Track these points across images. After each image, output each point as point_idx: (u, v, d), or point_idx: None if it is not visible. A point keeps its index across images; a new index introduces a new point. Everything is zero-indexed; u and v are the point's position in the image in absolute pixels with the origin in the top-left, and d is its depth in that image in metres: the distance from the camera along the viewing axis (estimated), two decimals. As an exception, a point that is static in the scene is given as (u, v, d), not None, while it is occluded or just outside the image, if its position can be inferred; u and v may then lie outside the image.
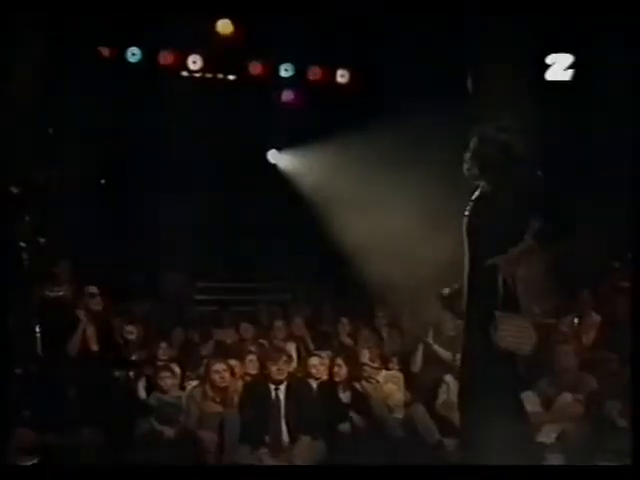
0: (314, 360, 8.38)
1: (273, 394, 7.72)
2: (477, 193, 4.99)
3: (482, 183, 4.99)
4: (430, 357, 8.58)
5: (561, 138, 9.63)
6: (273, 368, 7.79)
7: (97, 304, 7.93)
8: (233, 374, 8.06)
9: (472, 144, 5.04)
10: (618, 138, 7.83)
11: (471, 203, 5.00)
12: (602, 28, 8.69)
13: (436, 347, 8.56)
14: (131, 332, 8.56)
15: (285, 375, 7.84)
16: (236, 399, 7.83)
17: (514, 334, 4.65)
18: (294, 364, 8.61)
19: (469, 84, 9.96)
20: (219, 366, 7.88)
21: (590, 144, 9.72)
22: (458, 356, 6.96)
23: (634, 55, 6.06)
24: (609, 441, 6.35)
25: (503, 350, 4.63)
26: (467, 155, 5.03)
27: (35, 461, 6.63)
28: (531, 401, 6.87)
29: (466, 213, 5.01)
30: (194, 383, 8.23)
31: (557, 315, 8.61)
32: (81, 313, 7.76)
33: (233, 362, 8.15)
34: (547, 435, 6.95)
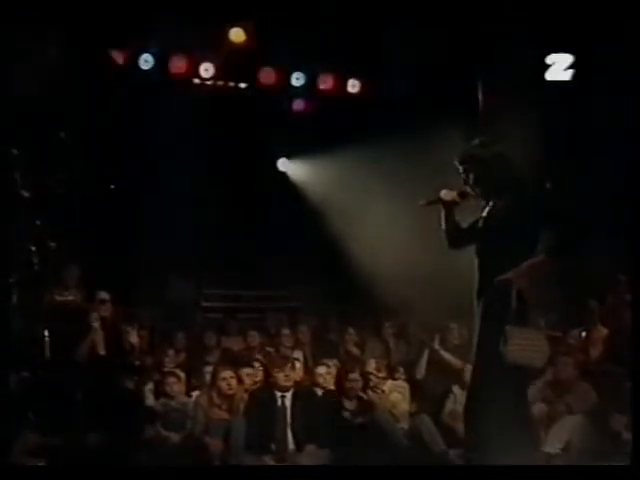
0: (321, 369, 8.39)
1: (279, 402, 7.73)
2: (485, 211, 5.01)
3: (488, 200, 5.03)
4: (437, 364, 8.57)
5: (561, 138, 9.64)
6: (280, 375, 7.80)
7: (107, 310, 7.95)
8: (240, 381, 8.07)
9: (461, 168, 5.08)
10: (618, 138, 7.84)
11: (480, 220, 5.02)
12: (602, 28, 8.70)
13: (443, 352, 8.56)
14: (138, 338, 8.59)
15: (292, 382, 7.85)
16: (242, 406, 7.84)
17: (525, 348, 4.64)
18: (301, 372, 8.61)
19: (477, 94, 10.03)
20: (226, 373, 7.91)
21: (590, 144, 9.71)
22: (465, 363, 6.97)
23: (634, 55, 6.07)
24: (614, 453, 6.34)
25: (512, 364, 4.63)
26: (463, 178, 5.08)
27: (40, 464, 6.64)
28: (537, 413, 6.88)
29: (479, 221, 5.03)
30: (199, 390, 8.25)
31: (563, 328, 8.61)
32: (93, 319, 7.77)
33: (240, 369, 8.16)
34: (552, 446, 6.95)
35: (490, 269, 4.82)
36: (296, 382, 8.04)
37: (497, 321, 4.69)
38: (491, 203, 4.99)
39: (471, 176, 5.04)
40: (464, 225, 5.23)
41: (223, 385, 7.84)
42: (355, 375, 8.19)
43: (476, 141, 5.10)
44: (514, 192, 4.86)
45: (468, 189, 5.09)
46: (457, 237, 5.23)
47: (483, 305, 4.85)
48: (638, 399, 5.01)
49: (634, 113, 5.81)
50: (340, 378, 8.26)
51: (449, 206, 5.22)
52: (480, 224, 5.04)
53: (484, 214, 5.01)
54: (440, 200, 5.21)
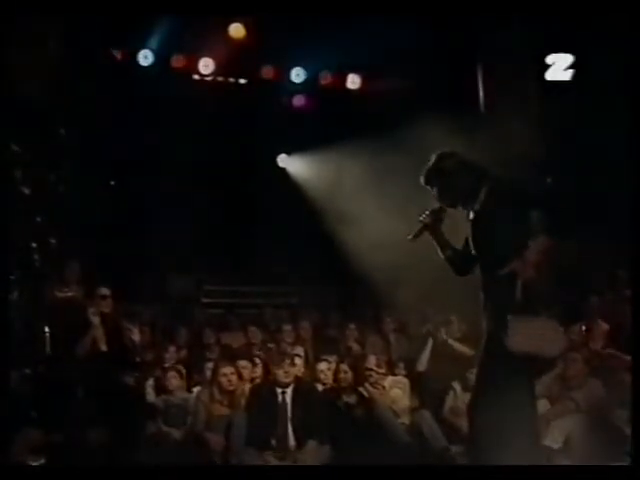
0: (322, 365, 8.40)
1: (280, 398, 7.72)
2: (471, 215, 5.01)
3: (466, 210, 5.03)
4: (441, 355, 8.57)
5: (561, 138, 9.64)
6: (279, 372, 7.80)
7: (107, 306, 7.95)
8: (241, 377, 8.08)
9: (428, 187, 5.08)
10: (618, 138, 7.84)
11: (469, 224, 5.02)
12: (602, 28, 8.70)
13: (452, 341, 8.55)
14: (137, 333, 8.61)
15: (291, 379, 7.84)
16: (243, 402, 7.85)
17: (532, 337, 4.64)
18: (302, 368, 8.61)
19: (478, 90, 10.03)
20: (227, 369, 7.91)
21: (590, 144, 9.72)
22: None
23: (634, 55, 6.06)
24: (615, 448, 6.35)
25: (517, 355, 4.62)
26: (434, 195, 5.09)
27: (42, 461, 6.65)
28: (542, 408, 6.89)
29: (469, 236, 5.03)
30: (200, 386, 8.26)
31: (564, 323, 8.60)
32: (94, 316, 7.77)
33: (241, 365, 8.17)
34: (553, 440, 6.96)
35: (490, 265, 4.83)
36: (297, 378, 8.03)
37: (503, 314, 4.70)
38: (472, 211, 4.99)
39: (436, 190, 5.06)
40: (459, 247, 5.20)
41: (224, 381, 7.85)
42: (344, 366, 8.24)
43: (434, 156, 5.10)
44: (487, 192, 4.87)
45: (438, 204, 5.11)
46: (459, 261, 5.16)
47: (489, 299, 4.86)
48: (638, 397, 5.01)
49: (634, 112, 5.81)
50: (336, 372, 8.29)
51: (435, 228, 5.17)
52: (472, 234, 5.03)
53: (470, 220, 5.01)
54: (425, 226, 5.16)
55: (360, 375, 8.23)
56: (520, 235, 4.71)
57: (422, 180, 5.10)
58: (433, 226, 5.15)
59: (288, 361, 7.96)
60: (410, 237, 5.19)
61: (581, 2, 8.00)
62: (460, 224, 5.12)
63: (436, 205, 5.13)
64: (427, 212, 5.14)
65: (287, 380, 7.79)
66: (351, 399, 8.07)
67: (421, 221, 5.14)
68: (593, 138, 9.61)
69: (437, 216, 5.14)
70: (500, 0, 8.15)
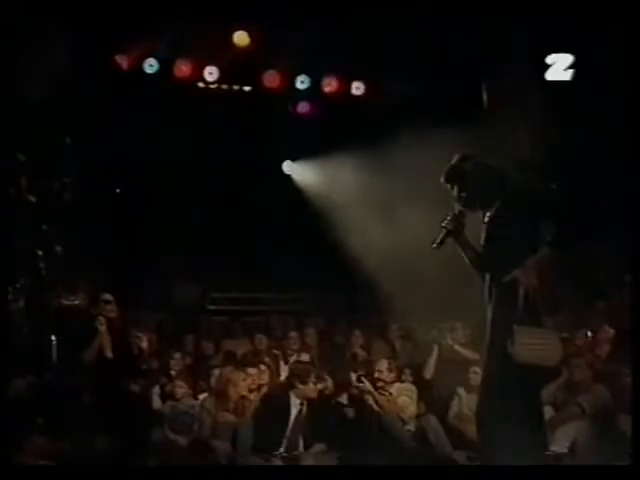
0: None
1: (290, 406, 7.70)
2: (486, 217, 5.00)
3: (483, 211, 5.03)
4: (447, 361, 8.55)
5: (561, 138, 9.63)
6: (301, 386, 7.76)
7: (112, 311, 7.95)
8: (248, 385, 8.07)
9: (449, 186, 5.07)
10: (618, 138, 7.84)
11: (483, 226, 5.02)
12: (602, 28, 8.70)
13: (456, 346, 8.52)
14: (145, 341, 8.62)
15: (316, 394, 7.82)
16: (249, 410, 7.84)
17: (535, 347, 4.64)
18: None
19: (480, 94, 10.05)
20: (233, 376, 7.91)
21: (590, 145, 9.71)
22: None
23: (634, 55, 6.07)
24: (619, 452, 6.34)
25: (522, 364, 4.63)
26: (454, 195, 5.08)
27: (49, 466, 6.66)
28: (547, 414, 6.88)
29: (481, 238, 5.03)
30: (206, 393, 8.26)
31: (570, 329, 8.60)
32: (99, 324, 7.77)
33: (247, 372, 8.16)
34: (560, 444, 6.96)
35: (497, 271, 4.83)
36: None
37: (507, 321, 4.69)
38: (488, 214, 4.99)
39: (456, 190, 5.04)
40: (480, 249, 5.16)
41: (230, 388, 7.85)
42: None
43: (456, 157, 5.09)
44: (504, 196, 4.87)
45: (458, 206, 5.08)
46: (481, 263, 5.13)
47: (493, 306, 4.86)
48: (639, 399, 5.01)
49: (634, 112, 5.81)
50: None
51: (457, 232, 5.09)
52: (485, 237, 5.02)
53: (485, 222, 5.01)
54: (448, 232, 5.07)
55: (341, 381, 8.21)
56: (530, 243, 4.73)
57: (442, 178, 5.09)
58: (456, 231, 5.08)
59: (314, 375, 7.92)
60: (435, 245, 5.08)
61: (581, 2, 8.01)
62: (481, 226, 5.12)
63: (456, 210, 5.11)
64: (449, 217, 5.08)
65: (312, 395, 7.76)
66: (358, 406, 8.06)
67: (444, 227, 5.08)
68: (593, 139, 9.60)
69: (459, 220, 5.10)
70: (501, 0, 8.16)
